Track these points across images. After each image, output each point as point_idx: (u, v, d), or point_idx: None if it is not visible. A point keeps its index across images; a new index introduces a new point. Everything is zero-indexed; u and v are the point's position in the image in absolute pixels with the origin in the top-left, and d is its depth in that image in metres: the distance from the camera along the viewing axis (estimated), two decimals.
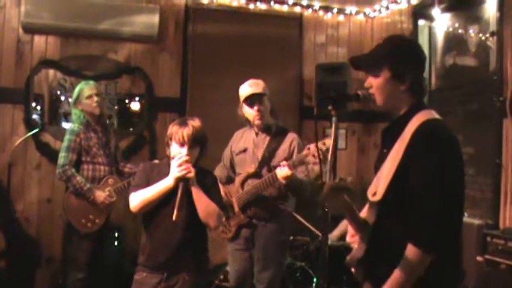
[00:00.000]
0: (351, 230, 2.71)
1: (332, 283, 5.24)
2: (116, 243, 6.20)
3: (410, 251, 2.37)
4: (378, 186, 2.54)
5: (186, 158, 3.45)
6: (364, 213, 2.72)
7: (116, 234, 6.20)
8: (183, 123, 3.53)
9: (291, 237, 5.48)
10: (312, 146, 4.04)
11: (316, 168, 5.82)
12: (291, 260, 5.40)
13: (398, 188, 2.46)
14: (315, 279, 5.27)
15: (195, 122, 3.56)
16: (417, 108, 2.59)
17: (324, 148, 3.96)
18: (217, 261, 4.96)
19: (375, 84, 2.64)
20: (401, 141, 2.51)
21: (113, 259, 6.03)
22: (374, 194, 2.55)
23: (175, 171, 3.44)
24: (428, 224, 2.36)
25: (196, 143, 3.52)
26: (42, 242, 6.47)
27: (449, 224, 2.41)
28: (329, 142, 3.84)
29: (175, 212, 3.33)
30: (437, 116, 2.60)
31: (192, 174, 3.45)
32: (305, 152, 4.11)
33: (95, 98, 5.24)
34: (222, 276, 5.28)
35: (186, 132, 3.48)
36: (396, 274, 2.39)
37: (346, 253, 5.25)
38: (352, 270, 2.69)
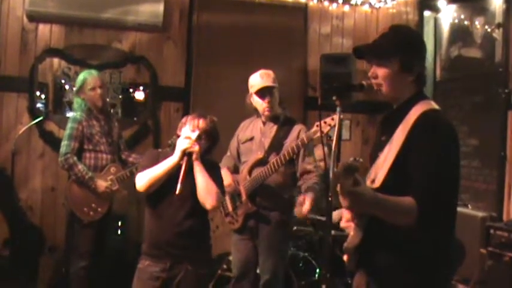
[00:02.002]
0: (346, 215, 2.69)
1: (335, 274, 5.23)
2: (119, 232, 6.21)
3: (408, 198, 2.40)
4: (377, 173, 2.55)
5: (194, 137, 3.54)
6: None
7: (119, 223, 6.20)
8: (202, 115, 3.65)
9: (295, 228, 5.48)
10: (322, 123, 4.00)
11: (322, 164, 5.84)
12: (294, 251, 5.39)
13: (398, 175, 2.47)
14: (317, 270, 5.26)
15: (214, 119, 3.68)
16: (417, 98, 2.61)
17: (332, 123, 3.93)
18: (220, 250, 4.96)
19: (381, 74, 2.63)
20: (402, 129, 2.53)
21: (115, 248, 6.04)
22: (372, 181, 2.56)
23: (181, 144, 3.52)
24: (427, 196, 2.39)
25: (208, 135, 3.60)
26: (45, 230, 6.49)
27: (445, 203, 2.46)
28: (338, 117, 3.82)
29: (178, 185, 3.36)
30: (436, 106, 2.62)
31: (195, 149, 3.52)
32: (314, 128, 4.08)
33: (99, 91, 5.23)
34: (225, 266, 5.27)
35: (202, 121, 3.60)
36: (384, 197, 2.40)
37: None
38: (345, 258, 2.68)
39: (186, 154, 3.51)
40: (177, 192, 3.37)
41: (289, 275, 5.06)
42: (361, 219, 2.58)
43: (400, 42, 2.62)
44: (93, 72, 5.45)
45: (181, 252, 3.53)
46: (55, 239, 6.46)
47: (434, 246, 2.48)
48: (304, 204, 4.31)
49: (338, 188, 2.34)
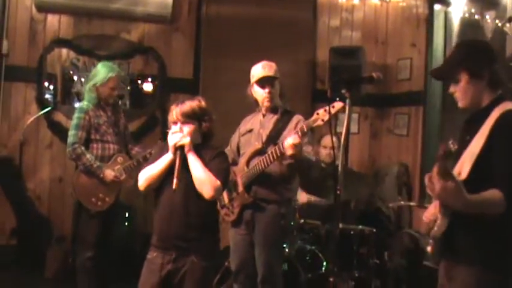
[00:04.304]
0: (431, 209, 2.89)
1: (342, 268, 5.23)
2: (126, 223, 6.22)
3: (494, 191, 2.64)
4: (463, 167, 2.76)
5: (178, 129, 3.52)
6: None
7: (127, 214, 6.21)
8: (178, 103, 3.61)
9: (302, 221, 5.46)
10: (321, 111, 3.93)
11: (326, 152, 5.80)
12: (301, 244, 5.38)
13: (482, 168, 2.70)
14: (324, 263, 5.26)
15: (191, 100, 3.61)
16: (498, 101, 2.83)
17: (333, 111, 3.82)
18: (228, 242, 4.94)
19: (457, 89, 2.91)
20: (485, 128, 2.75)
21: (123, 238, 6.04)
22: (459, 174, 2.75)
23: (171, 139, 3.52)
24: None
25: (189, 118, 3.55)
26: (53, 220, 6.51)
27: None
28: (339, 105, 3.78)
29: (174, 180, 3.36)
30: None
31: (186, 141, 3.49)
32: (314, 116, 4.01)
33: (116, 92, 5.22)
34: (231, 259, 5.27)
35: (176, 110, 3.56)
36: (473, 195, 2.62)
37: (355, 238, 5.24)
38: (429, 249, 2.90)
39: (178, 148, 3.50)
40: (173, 187, 3.37)
41: (296, 268, 5.06)
42: (447, 208, 2.77)
43: (463, 55, 2.92)
44: (120, 71, 5.34)
45: (188, 244, 3.52)
46: (62, 229, 6.48)
47: None
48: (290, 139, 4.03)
49: (435, 172, 2.59)
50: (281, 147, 4.09)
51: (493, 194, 2.63)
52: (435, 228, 2.80)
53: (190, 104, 3.58)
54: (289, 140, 4.00)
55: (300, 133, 4.02)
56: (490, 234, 2.70)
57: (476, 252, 2.73)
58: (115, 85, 5.17)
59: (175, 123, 3.56)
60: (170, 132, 3.57)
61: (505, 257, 2.72)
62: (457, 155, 2.87)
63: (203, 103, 3.63)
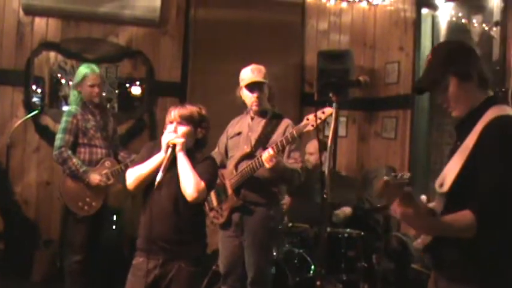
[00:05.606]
0: None
1: (330, 271, 5.23)
2: (114, 227, 6.20)
3: (465, 213, 2.42)
4: (446, 178, 2.57)
5: (173, 129, 3.54)
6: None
7: (114, 218, 6.19)
8: (178, 105, 3.65)
9: (290, 224, 5.46)
10: (311, 116, 3.97)
11: (313, 158, 5.85)
12: (289, 247, 5.38)
13: (465, 181, 2.50)
14: (312, 267, 5.26)
15: (191, 105, 3.65)
16: (490, 103, 2.61)
17: (323, 117, 3.89)
18: (216, 246, 4.94)
19: (447, 97, 2.65)
20: (472, 135, 2.54)
21: (110, 242, 6.02)
22: (441, 186, 2.59)
23: (165, 137, 3.53)
24: (489, 202, 2.42)
25: (186, 121, 3.56)
26: (40, 224, 6.48)
27: (506, 209, 2.43)
28: (329, 111, 3.81)
29: (159, 173, 3.35)
30: (510, 111, 2.59)
31: (179, 140, 3.50)
32: (304, 122, 4.05)
33: (97, 89, 5.20)
34: (219, 262, 5.26)
35: (174, 111, 3.58)
36: (438, 220, 2.51)
37: (343, 241, 5.24)
38: (422, 254, 2.80)
39: (171, 146, 3.50)
40: (157, 180, 3.35)
41: (284, 271, 5.05)
42: None
43: (444, 57, 2.66)
44: (95, 68, 5.33)
45: (175, 248, 3.50)
46: (50, 233, 6.45)
47: (498, 245, 2.50)
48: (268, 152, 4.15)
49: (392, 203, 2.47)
50: (260, 160, 4.18)
51: (463, 216, 2.43)
52: (418, 240, 2.70)
53: (190, 108, 3.61)
54: (266, 154, 4.10)
55: (275, 147, 4.12)
56: (473, 251, 2.50)
57: (458, 268, 2.57)
58: (93, 83, 5.16)
59: (171, 122, 3.57)
60: (166, 131, 3.57)
61: (487, 275, 2.51)
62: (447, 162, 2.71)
63: (203, 111, 3.66)
